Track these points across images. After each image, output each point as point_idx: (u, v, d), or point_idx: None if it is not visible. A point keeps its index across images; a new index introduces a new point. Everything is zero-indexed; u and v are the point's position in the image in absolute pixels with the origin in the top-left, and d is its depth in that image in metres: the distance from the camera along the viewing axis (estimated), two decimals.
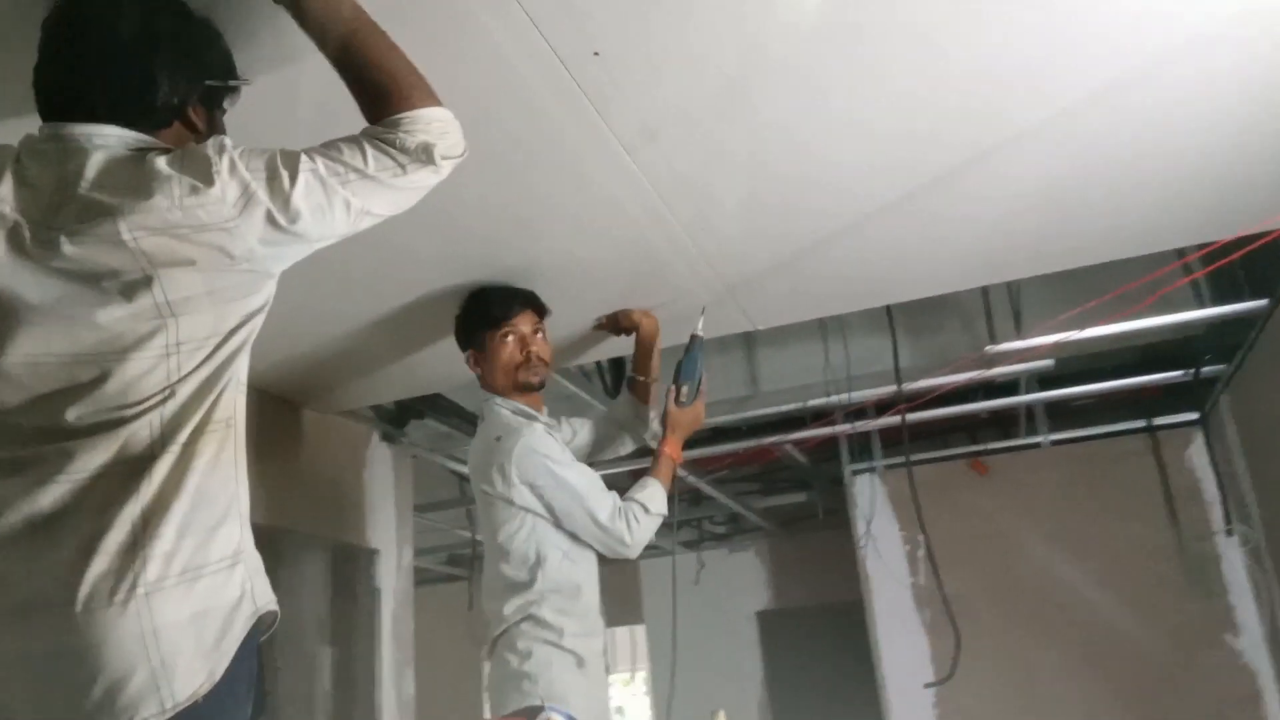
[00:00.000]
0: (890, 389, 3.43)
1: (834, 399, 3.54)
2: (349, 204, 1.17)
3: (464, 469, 3.73)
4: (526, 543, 2.04)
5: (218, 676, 1.11)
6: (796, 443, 4.21)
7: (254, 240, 1.13)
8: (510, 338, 2.16)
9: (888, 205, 2.03)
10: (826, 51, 1.54)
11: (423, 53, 1.24)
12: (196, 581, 1.11)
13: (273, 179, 1.13)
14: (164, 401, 1.12)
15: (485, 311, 2.18)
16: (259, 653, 1.19)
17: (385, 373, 2.69)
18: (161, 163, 1.12)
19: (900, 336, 3.43)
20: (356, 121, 1.22)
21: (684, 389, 2.26)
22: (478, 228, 1.97)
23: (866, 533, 4.43)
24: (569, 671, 1.98)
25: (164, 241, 1.10)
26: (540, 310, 2.22)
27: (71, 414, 1.10)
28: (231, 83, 1.27)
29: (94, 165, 1.12)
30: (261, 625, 1.19)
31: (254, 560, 1.19)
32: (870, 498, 4.46)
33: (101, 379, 1.11)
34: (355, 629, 3.06)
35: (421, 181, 1.22)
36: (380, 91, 1.21)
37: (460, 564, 6.02)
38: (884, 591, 4.43)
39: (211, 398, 1.16)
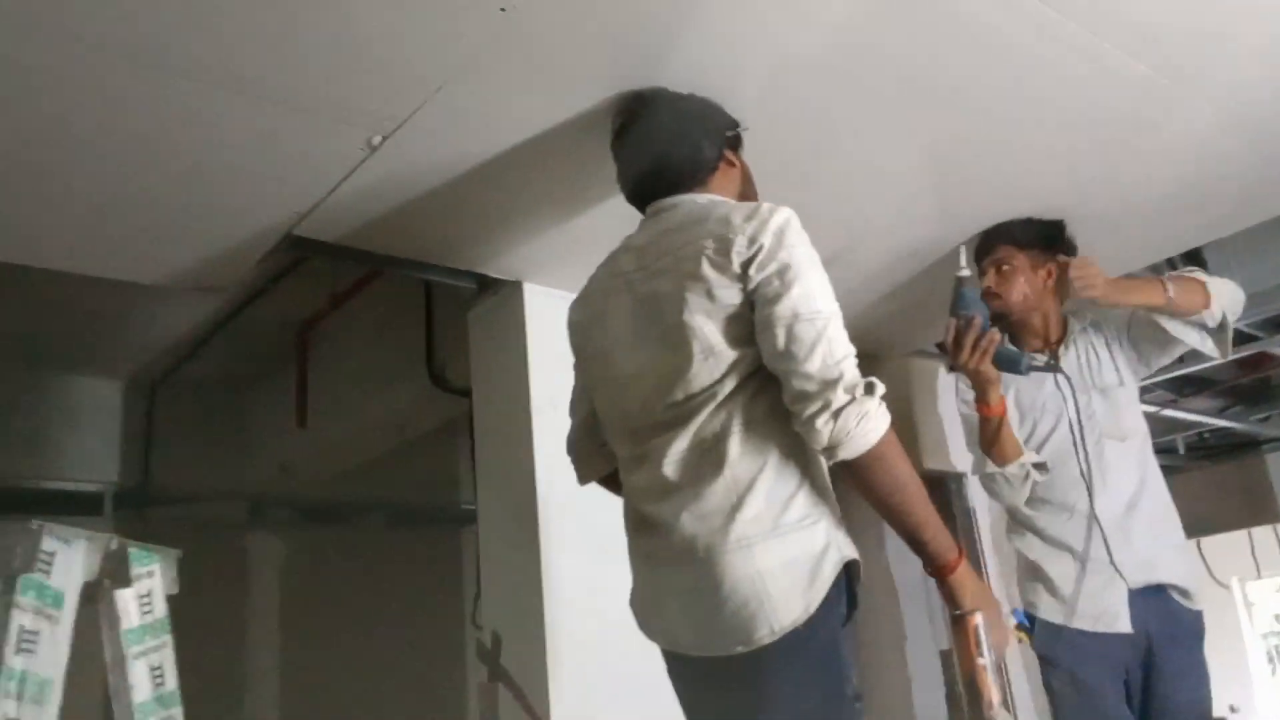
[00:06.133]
0: None
1: None
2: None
3: None
4: None
5: (813, 609, 1.32)
6: None
7: (738, 299, 1.41)
8: None
9: None
10: None
11: None
12: (784, 536, 1.35)
13: (782, 274, 1.37)
14: (712, 397, 1.40)
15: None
16: (850, 589, 1.40)
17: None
18: (737, 217, 1.42)
19: None
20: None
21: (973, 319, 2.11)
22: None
23: None
24: None
25: (710, 273, 1.42)
26: None
27: (660, 411, 1.43)
28: (741, 130, 1.68)
29: (677, 217, 1.52)
30: (852, 571, 1.40)
31: (834, 520, 1.41)
32: None
33: (673, 379, 1.42)
34: None
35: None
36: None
37: None
38: None
39: (750, 394, 1.41)
